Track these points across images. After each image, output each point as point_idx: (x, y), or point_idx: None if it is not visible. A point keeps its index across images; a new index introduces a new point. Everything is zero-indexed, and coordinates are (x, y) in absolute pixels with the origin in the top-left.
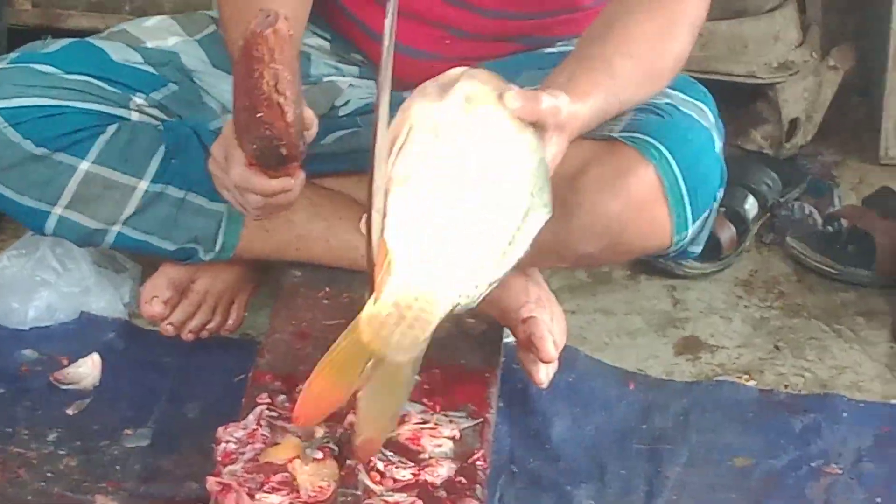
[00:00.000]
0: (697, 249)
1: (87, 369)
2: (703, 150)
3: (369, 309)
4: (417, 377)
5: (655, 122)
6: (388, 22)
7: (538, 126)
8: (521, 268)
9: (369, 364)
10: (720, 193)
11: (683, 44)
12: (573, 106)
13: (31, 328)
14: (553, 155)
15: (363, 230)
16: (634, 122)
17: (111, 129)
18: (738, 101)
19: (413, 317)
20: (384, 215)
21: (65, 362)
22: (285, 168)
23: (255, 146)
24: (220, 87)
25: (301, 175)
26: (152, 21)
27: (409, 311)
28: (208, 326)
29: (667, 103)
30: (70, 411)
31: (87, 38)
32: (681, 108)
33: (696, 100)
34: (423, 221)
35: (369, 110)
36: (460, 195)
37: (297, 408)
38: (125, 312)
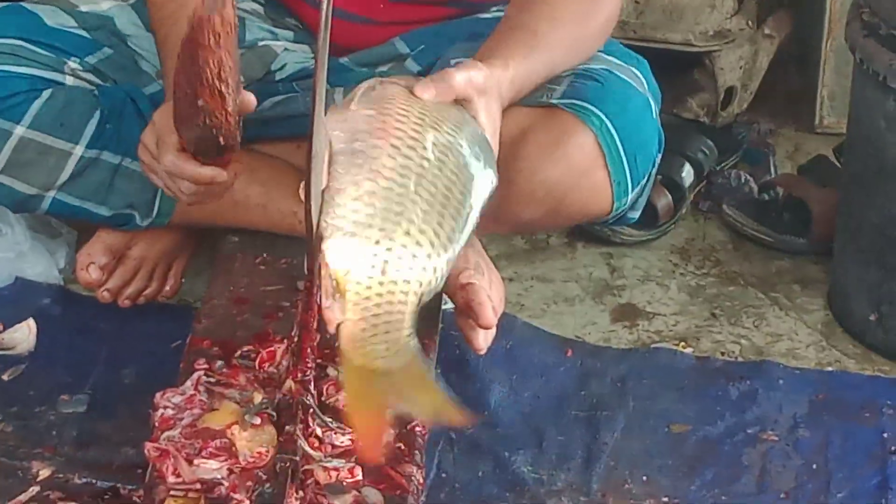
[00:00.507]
0: (636, 215)
1: (23, 335)
2: (641, 116)
3: (343, 334)
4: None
5: (593, 88)
6: None
7: (463, 101)
8: None
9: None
10: (658, 159)
11: (609, 6)
12: (493, 71)
13: None
14: (489, 119)
15: (301, 196)
16: (572, 88)
17: (46, 93)
18: (675, 69)
19: (384, 322)
20: (321, 213)
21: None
22: (221, 158)
23: (194, 135)
24: (154, 51)
25: (235, 165)
26: None
27: (377, 319)
28: (145, 293)
29: (603, 69)
30: (5, 377)
31: (20, 2)
32: (617, 73)
33: (630, 65)
34: (361, 230)
35: (305, 75)
36: (394, 192)
37: (361, 453)
38: (60, 278)
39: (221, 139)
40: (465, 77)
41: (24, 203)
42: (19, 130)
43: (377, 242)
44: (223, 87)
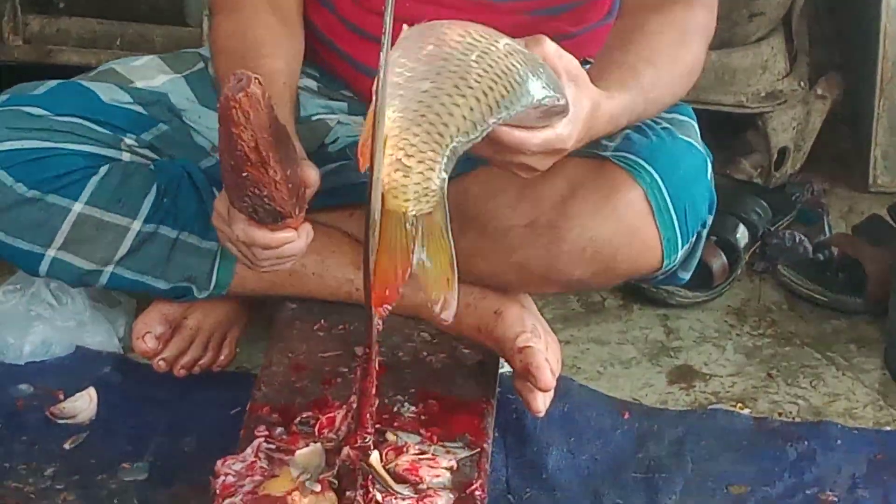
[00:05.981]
0: (686, 276)
1: (84, 403)
2: (693, 174)
3: (383, 174)
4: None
5: (647, 144)
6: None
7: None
8: (514, 297)
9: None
10: (710, 219)
11: (696, 53)
12: (597, 95)
13: (26, 363)
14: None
15: (359, 264)
16: (627, 142)
17: (103, 169)
18: (727, 130)
19: (417, 162)
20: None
21: (61, 397)
22: (284, 223)
23: (245, 204)
24: (208, 125)
25: (307, 227)
26: (141, 60)
27: (410, 161)
28: (200, 362)
29: (662, 127)
30: (67, 445)
31: (76, 79)
32: (677, 130)
33: (693, 119)
34: (412, 81)
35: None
36: (454, 57)
37: (372, 299)
38: (120, 347)
39: (277, 207)
40: (558, 52)
41: (82, 278)
42: (77, 207)
43: (424, 91)
44: (262, 159)
